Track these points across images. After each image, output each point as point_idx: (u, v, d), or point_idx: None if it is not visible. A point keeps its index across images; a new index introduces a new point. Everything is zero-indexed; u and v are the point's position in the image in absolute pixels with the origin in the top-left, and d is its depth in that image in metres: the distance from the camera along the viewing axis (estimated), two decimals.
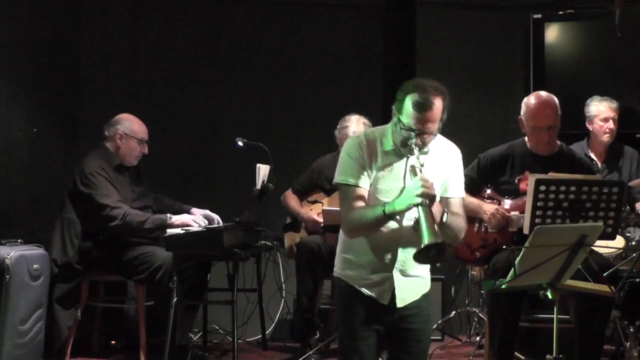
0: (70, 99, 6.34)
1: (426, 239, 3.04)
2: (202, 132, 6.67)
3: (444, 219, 3.25)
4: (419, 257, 3.10)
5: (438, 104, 3.20)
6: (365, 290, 3.32)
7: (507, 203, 4.60)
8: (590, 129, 5.61)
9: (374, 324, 3.32)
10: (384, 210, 3.19)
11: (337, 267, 3.43)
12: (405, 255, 3.30)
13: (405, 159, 3.30)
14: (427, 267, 3.40)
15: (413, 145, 3.21)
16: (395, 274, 3.31)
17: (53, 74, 6.11)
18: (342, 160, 3.36)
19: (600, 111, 5.56)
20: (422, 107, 3.17)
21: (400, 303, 3.32)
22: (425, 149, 3.27)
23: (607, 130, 5.55)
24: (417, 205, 3.11)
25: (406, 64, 6.66)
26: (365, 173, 3.30)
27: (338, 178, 3.35)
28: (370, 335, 3.32)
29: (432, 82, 3.25)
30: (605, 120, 5.55)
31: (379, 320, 3.33)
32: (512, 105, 5.22)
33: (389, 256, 3.30)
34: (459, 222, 3.35)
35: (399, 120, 3.24)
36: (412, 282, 3.36)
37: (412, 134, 3.21)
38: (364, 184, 3.30)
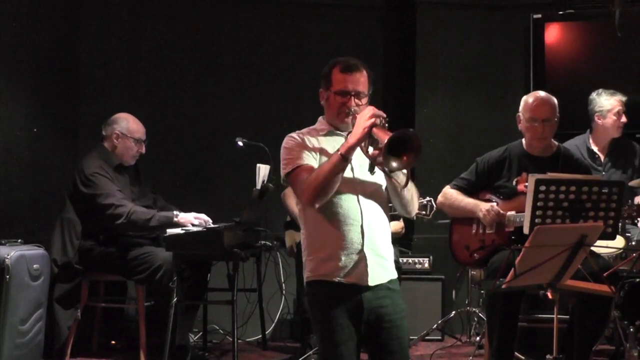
0: (70, 99, 6.33)
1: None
2: (202, 132, 6.66)
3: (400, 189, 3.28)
4: (392, 154, 3.05)
5: (364, 69, 3.35)
6: (342, 280, 3.25)
7: (501, 203, 4.60)
8: (600, 123, 5.49)
9: (352, 327, 3.26)
10: (339, 153, 3.16)
11: (308, 271, 3.34)
12: (371, 232, 3.28)
13: (343, 138, 3.30)
14: (392, 251, 3.38)
15: (351, 110, 3.28)
16: (367, 251, 3.27)
17: (53, 74, 6.10)
18: (283, 156, 3.35)
19: (613, 105, 5.47)
20: (351, 68, 3.32)
21: (372, 282, 3.27)
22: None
23: (621, 124, 5.47)
24: (371, 128, 3.12)
25: (406, 64, 6.66)
26: (310, 155, 3.31)
27: (284, 172, 3.33)
28: (350, 338, 3.26)
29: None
30: (619, 114, 5.46)
31: (357, 322, 3.27)
32: (512, 105, 5.20)
33: (356, 235, 3.26)
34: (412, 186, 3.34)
35: (331, 92, 3.33)
36: (381, 264, 3.32)
37: (348, 95, 3.29)
38: (311, 162, 3.30)
